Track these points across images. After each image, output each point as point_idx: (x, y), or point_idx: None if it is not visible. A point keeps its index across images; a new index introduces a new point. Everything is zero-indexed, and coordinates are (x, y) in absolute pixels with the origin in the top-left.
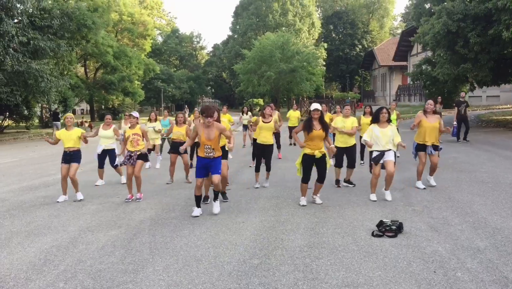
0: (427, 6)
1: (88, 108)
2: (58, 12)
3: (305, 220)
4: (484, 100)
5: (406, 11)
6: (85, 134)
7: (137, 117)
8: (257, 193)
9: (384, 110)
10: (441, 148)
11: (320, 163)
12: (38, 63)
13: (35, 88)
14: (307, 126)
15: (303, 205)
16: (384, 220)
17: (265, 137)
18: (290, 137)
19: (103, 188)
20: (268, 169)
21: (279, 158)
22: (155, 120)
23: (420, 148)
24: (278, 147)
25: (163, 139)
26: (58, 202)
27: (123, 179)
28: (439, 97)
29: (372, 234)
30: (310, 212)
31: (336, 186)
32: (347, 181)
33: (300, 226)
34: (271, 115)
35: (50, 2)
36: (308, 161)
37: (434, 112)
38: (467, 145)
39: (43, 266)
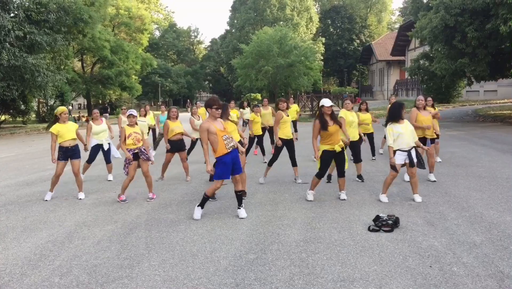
0: (425, 0)
1: (85, 103)
2: (54, 6)
3: (301, 215)
4: (481, 95)
5: (404, 6)
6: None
7: (136, 116)
8: (254, 188)
9: (404, 106)
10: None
11: (340, 157)
12: (34, 57)
13: (32, 83)
14: (322, 124)
15: (310, 200)
16: (380, 215)
17: (289, 131)
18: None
19: (100, 183)
20: (295, 164)
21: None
22: (145, 115)
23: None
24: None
25: (160, 135)
26: (46, 200)
27: (110, 177)
28: None
29: (369, 229)
30: (307, 207)
31: (327, 181)
32: (358, 176)
33: (296, 221)
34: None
35: None
36: (328, 157)
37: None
38: (464, 139)
39: (39, 261)
